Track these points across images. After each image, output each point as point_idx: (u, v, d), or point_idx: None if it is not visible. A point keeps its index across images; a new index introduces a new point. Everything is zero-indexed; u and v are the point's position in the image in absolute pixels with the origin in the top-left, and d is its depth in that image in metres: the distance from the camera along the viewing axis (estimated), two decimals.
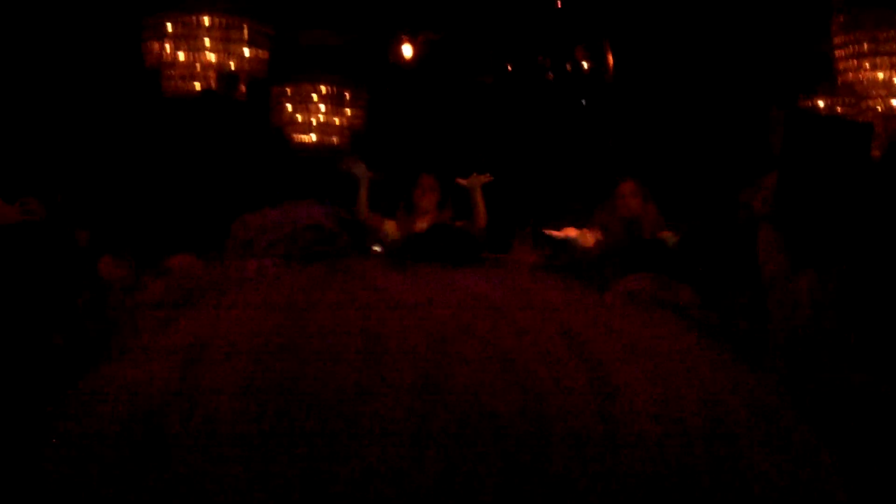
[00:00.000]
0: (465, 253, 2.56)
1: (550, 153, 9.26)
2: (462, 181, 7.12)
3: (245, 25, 8.85)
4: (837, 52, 7.64)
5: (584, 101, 8.86)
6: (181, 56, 8.75)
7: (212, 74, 8.87)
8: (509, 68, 9.32)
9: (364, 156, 7.86)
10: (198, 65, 8.80)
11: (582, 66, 8.97)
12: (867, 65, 7.57)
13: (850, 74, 7.63)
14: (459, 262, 1.89)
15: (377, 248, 6.90)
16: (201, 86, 8.84)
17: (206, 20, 8.72)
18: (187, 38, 8.74)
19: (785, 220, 5.25)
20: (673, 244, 6.07)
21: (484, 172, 7.10)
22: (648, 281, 3.64)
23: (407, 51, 9.97)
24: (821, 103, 8.96)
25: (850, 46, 7.57)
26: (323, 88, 10.11)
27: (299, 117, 10.14)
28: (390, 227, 7.06)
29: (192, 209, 9.07)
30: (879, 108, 7.69)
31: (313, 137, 10.15)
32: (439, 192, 7.12)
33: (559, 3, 8.74)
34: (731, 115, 8.01)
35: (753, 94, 7.63)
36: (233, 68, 8.87)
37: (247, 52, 8.91)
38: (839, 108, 8.93)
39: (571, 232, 6.64)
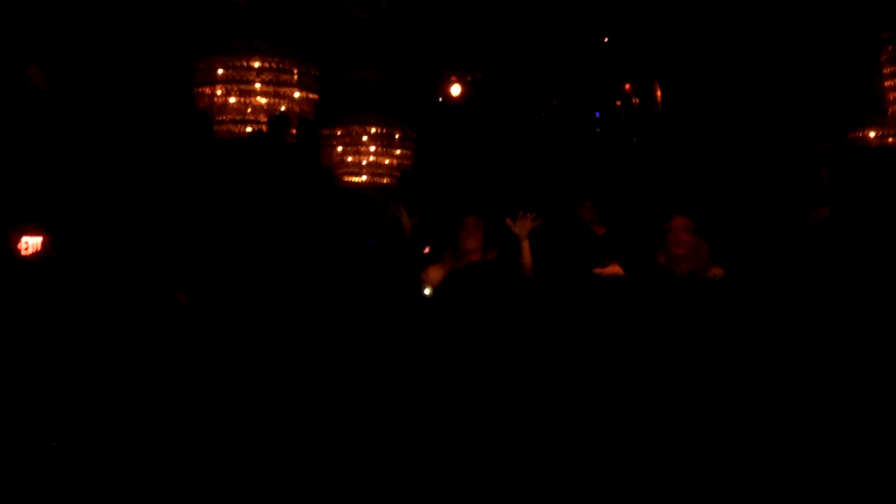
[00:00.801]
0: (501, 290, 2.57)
1: (599, 190, 9.25)
2: (510, 223, 7.08)
3: (295, 68, 8.95)
4: (887, 83, 7.60)
5: (634, 139, 8.85)
6: (232, 99, 8.86)
7: (262, 117, 8.97)
8: (555, 104, 9.33)
9: (410, 197, 7.89)
10: (249, 108, 8.91)
11: (630, 102, 8.96)
12: None
13: None
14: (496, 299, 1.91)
15: (427, 293, 6.88)
16: (252, 128, 8.95)
17: (257, 63, 8.83)
18: (238, 81, 8.85)
19: (839, 251, 5.23)
20: (721, 280, 6.04)
21: (531, 213, 7.06)
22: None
23: (455, 90, 10.03)
24: (871, 135, 8.89)
25: None
26: (373, 129, 10.19)
27: (349, 158, 10.22)
28: (433, 272, 7.00)
29: (245, 250, 9.13)
30: None
31: (363, 178, 10.22)
32: (484, 233, 7.08)
33: (605, 38, 8.75)
34: (780, 149, 7.98)
35: (803, 128, 7.60)
36: (283, 110, 8.97)
37: (297, 94, 9.01)
38: (890, 140, 8.87)
39: (618, 269, 6.62)
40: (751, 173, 8.21)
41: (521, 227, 6.98)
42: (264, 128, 8.98)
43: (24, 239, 8.06)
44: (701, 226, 6.54)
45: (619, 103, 9.25)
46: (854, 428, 3.53)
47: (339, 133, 10.21)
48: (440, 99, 10.07)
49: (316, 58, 9.01)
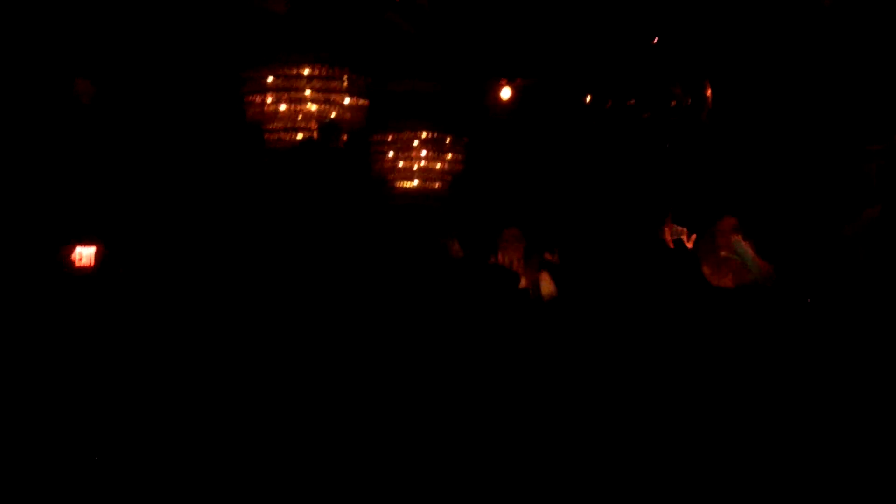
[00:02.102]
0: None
1: (647, 191, 9.16)
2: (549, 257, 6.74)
3: (345, 75, 8.97)
4: None
5: (668, 145, 8.75)
6: (282, 108, 8.91)
7: (313, 125, 9.00)
8: (608, 105, 9.27)
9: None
10: (299, 115, 8.94)
11: (680, 103, 8.88)
12: None
13: None
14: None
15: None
16: (303, 136, 8.98)
17: (307, 70, 8.87)
18: (288, 89, 8.89)
19: (889, 252, 5.14)
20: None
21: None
22: None
23: (505, 93, 10.00)
24: None
25: None
26: (423, 134, 10.20)
27: (401, 164, 10.23)
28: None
29: (297, 258, 9.17)
30: None
31: (415, 183, 10.22)
32: (524, 246, 6.95)
33: (655, 39, 8.68)
34: (829, 149, 7.86)
35: (851, 128, 7.48)
36: (333, 117, 8.99)
37: (347, 100, 9.03)
38: None
39: None
40: (801, 173, 8.10)
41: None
42: (315, 135, 9.01)
43: (78, 249, 8.15)
44: (749, 225, 6.40)
45: (673, 104, 9.17)
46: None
47: (389, 139, 10.23)
48: (488, 105, 10.05)
49: (363, 67, 9.03)
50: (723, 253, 6.20)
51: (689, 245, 6.65)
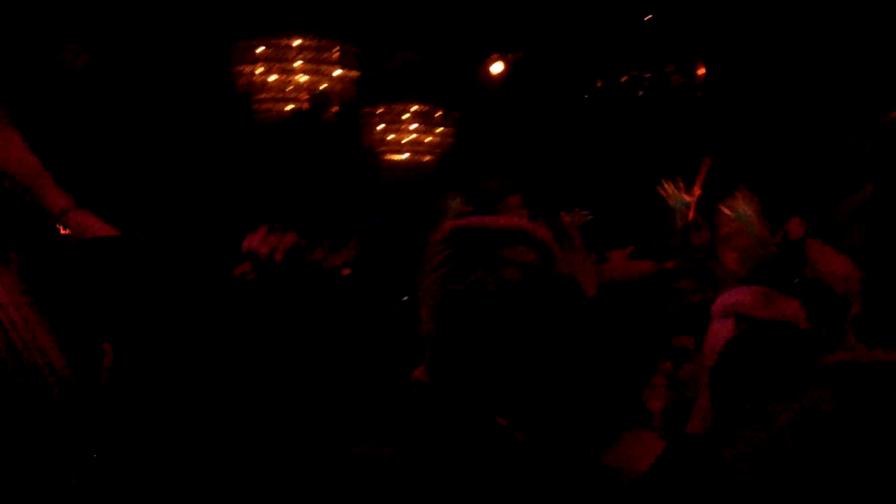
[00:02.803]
0: None
1: (644, 170, 9.15)
2: (566, 218, 6.44)
3: (335, 46, 8.92)
4: None
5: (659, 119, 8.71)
6: (272, 78, 8.86)
7: (303, 95, 8.96)
8: (598, 84, 9.24)
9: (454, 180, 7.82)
10: (289, 87, 8.90)
11: (672, 79, 8.86)
12: None
13: None
14: None
15: None
16: (293, 107, 8.94)
17: (297, 41, 8.81)
18: (279, 60, 8.84)
19: (882, 231, 5.12)
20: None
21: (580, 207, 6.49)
22: (748, 295, 3.48)
23: (496, 67, 9.95)
24: None
25: None
26: (413, 107, 10.15)
27: (390, 136, 10.19)
28: None
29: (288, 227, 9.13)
30: None
31: (404, 156, 10.18)
32: (528, 215, 6.86)
33: (648, 16, 8.65)
34: (823, 128, 7.85)
35: (846, 106, 7.46)
36: (323, 88, 8.95)
37: (337, 72, 8.99)
38: None
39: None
40: (795, 152, 8.09)
41: (574, 220, 6.12)
42: (305, 106, 8.97)
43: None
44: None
45: (665, 81, 9.14)
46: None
47: (379, 111, 10.17)
48: (480, 79, 10.00)
49: (355, 39, 8.98)
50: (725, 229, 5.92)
51: (691, 215, 6.47)
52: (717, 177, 6.27)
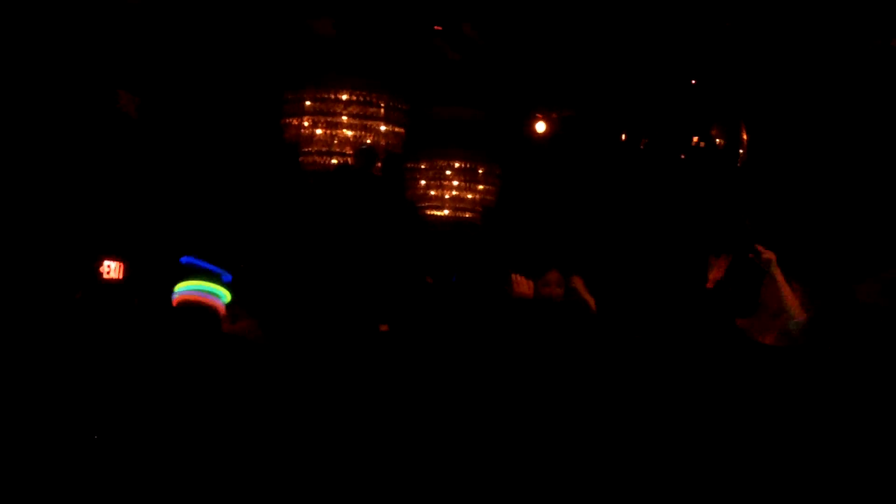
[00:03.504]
0: None
1: (685, 233, 9.15)
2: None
3: (382, 101, 9.01)
4: None
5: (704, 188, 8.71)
6: (319, 131, 8.95)
7: (349, 150, 9.04)
8: (642, 146, 9.26)
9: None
10: (335, 140, 8.98)
11: (716, 143, 8.87)
12: None
13: None
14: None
15: None
16: (338, 161, 9.01)
17: (345, 96, 8.91)
18: (325, 113, 8.94)
19: None
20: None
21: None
22: None
23: (540, 127, 10.02)
24: None
25: None
26: (456, 163, 10.22)
27: (433, 192, 10.26)
28: None
29: (329, 283, 9.19)
30: None
31: (445, 212, 10.25)
32: (565, 289, 6.86)
33: (693, 80, 8.68)
34: (865, 195, 7.84)
35: (888, 175, 7.46)
36: (369, 143, 9.02)
37: (383, 127, 9.07)
38: None
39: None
40: (837, 221, 8.07)
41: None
42: (350, 160, 9.04)
43: (107, 262, 8.22)
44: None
45: (702, 145, 9.16)
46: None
47: (422, 166, 10.26)
48: (526, 136, 10.06)
49: (406, 92, 9.06)
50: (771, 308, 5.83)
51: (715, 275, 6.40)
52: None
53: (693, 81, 8.90)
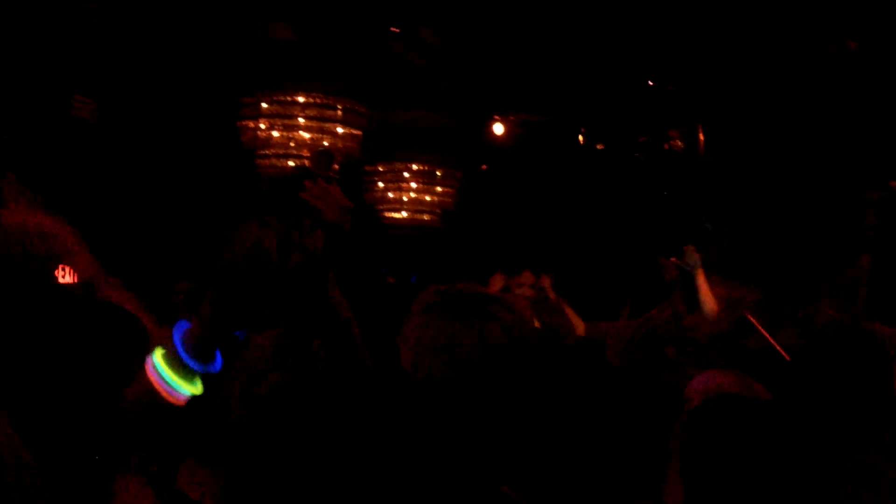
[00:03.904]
0: None
1: (643, 235, 9.18)
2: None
3: (339, 104, 8.96)
4: None
5: (665, 193, 8.77)
6: (276, 134, 8.88)
7: (306, 153, 8.97)
8: (600, 148, 9.30)
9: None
10: (292, 143, 8.91)
11: (674, 146, 8.92)
12: None
13: None
14: None
15: None
16: (295, 163, 8.94)
17: (302, 98, 8.85)
18: (282, 116, 8.87)
19: (877, 300, 5.13)
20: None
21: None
22: (730, 379, 3.49)
23: (498, 129, 10.01)
24: None
25: None
26: (414, 166, 10.18)
27: (391, 195, 10.21)
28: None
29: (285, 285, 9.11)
30: None
31: (404, 214, 10.20)
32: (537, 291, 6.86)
33: (650, 82, 8.72)
34: (824, 197, 7.89)
35: (848, 176, 7.51)
36: (326, 146, 8.96)
37: (340, 129, 9.01)
38: None
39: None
40: (796, 219, 8.12)
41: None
42: (307, 163, 8.97)
43: (61, 266, 8.10)
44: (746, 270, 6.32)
45: (666, 147, 9.20)
46: None
47: (380, 169, 10.21)
48: (486, 140, 10.05)
49: (365, 96, 9.01)
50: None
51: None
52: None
53: (650, 83, 8.94)
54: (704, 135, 9.10)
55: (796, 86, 8.13)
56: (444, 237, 10.20)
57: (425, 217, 10.20)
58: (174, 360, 2.07)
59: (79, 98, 8.19)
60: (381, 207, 10.21)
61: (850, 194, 6.58)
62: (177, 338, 2.11)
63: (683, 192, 9.03)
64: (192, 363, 2.08)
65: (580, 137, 9.49)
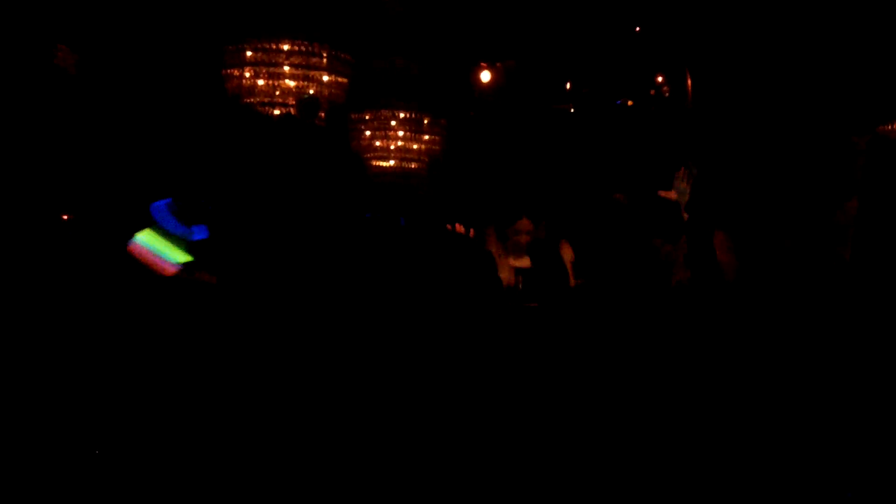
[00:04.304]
0: None
1: (628, 181, 9.17)
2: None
3: (324, 51, 8.89)
4: None
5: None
6: (261, 82, 8.82)
7: (291, 100, 8.92)
8: (585, 92, 9.27)
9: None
10: (277, 91, 8.86)
11: (661, 91, 8.90)
12: None
13: None
14: None
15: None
16: (280, 111, 8.90)
17: (286, 46, 8.78)
18: (267, 64, 8.81)
19: (864, 244, 5.15)
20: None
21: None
22: None
23: (485, 76, 9.97)
24: None
25: None
26: (401, 114, 10.14)
27: (378, 143, 10.18)
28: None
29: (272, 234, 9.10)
30: None
31: (391, 162, 10.18)
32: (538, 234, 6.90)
33: (637, 28, 8.68)
34: (811, 142, 7.89)
35: (834, 121, 7.50)
36: (312, 94, 8.91)
37: (326, 77, 8.95)
38: None
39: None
40: (782, 165, 8.12)
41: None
42: (293, 111, 8.92)
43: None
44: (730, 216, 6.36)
45: (651, 93, 9.18)
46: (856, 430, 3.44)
47: (367, 117, 10.17)
48: (471, 87, 10.01)
49: (348, 44, 8.95)
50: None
51: None
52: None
53: (637, 29, 8.91)
54: (692, 79, 9.07)
55: (784, 30, 8.11)
56: (431, 185, 10.19)
57: (412, 165, 10.18)
58: (158, 231, 2.09)
59: (62, 49, 8.11)
60: (369, 155, 10.17)
61: (838, 139, 6.58)
62: (159, 206, 2.12)
63: (670, 137, 9.02)
64: (176, 228, 2.09)
65: (567, 84, 9.46)
